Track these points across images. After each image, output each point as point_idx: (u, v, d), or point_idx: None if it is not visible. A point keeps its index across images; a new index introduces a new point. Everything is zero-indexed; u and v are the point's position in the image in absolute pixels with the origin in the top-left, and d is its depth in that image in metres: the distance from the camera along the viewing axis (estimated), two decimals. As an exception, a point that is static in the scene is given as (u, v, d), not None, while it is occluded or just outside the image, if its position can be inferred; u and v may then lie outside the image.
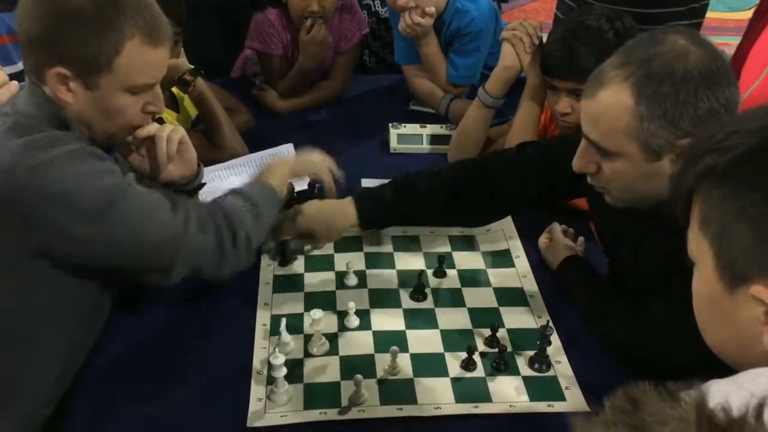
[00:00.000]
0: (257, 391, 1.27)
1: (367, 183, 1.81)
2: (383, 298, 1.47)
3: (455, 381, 1.31)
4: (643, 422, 0.51)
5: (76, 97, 1.19)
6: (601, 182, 1.25)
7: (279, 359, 1.24)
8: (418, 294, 1.50)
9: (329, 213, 1.52)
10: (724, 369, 1.21)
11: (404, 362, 1.33)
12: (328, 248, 1.64)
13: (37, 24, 1.15)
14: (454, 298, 1.51)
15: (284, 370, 1.25)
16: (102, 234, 1.17)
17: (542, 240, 1.62)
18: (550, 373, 1.33)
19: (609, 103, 1.15)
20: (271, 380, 1.27)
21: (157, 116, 1.91)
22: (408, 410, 1.24)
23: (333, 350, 1.36)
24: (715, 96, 1.10)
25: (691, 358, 1.25)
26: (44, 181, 1.11)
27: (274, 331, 1.38)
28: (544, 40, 1.80)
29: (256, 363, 1.33)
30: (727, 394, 0.61)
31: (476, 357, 1.34)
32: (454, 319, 1.45)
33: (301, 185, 1.81)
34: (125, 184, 1.22)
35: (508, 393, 1.29)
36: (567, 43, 1.64)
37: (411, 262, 1.61)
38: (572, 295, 1.48)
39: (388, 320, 1.44)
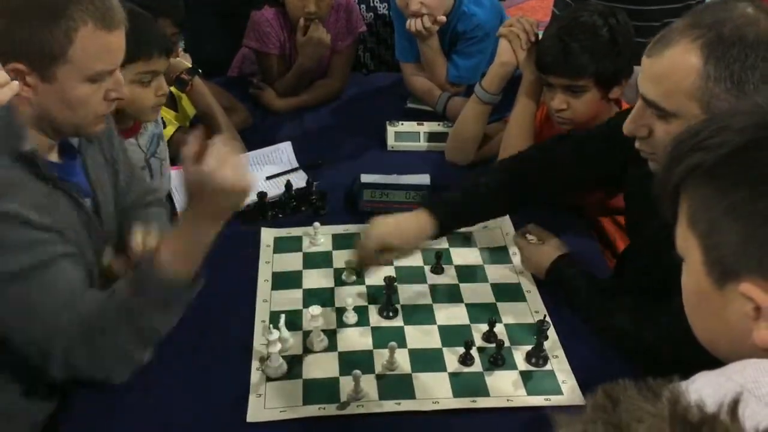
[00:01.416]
0: (257, 386, 1.28)
1: (366, 178, 1.82)
2: (381, 295, 1.47)
3: (453, 376, 1.32)
4: (620, 420, 0.51)
5: (35, 92, 1.16)
6: (651, 147, 1.23)
7: (273, 335, 1.28)
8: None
9: (406, 226, 1.46)
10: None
11: (402, 357, 1.34)
12: (326, 245, 1.65)
13: None
14: (451, 294, 1.52)
15: (278, 346, 1.29)
16: None
17: (520, 241, 1.59)
18: (547, 367, 1.34)
19: (676, 62, 1.13)
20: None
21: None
22: (406, 405, 1.25)
23: (331, 346, 1.37)
24: None
25: (709, 355, 1.26)
26: None
27: (274, 327, 1.38)
28: (540, 37, 1.81)
29: (256, 359, 1.34)
30: (715, 385, 0.62)
31: (474, 352, 1.35)
32: (451, 314, 1.46)
33: (298, 184, 1.82)
34: (37, 265, 1.13)
35: (506, 387, 1.30)
36: (562, 40, 1.65)
37: (409, 258, 1.61)
38: (571, 293, 1.47)
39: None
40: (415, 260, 1.61)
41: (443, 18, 2.11)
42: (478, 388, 1.29)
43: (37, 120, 1.21)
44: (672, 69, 1.14)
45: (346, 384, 1.28)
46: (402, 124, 2.12)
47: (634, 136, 1.25)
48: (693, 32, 1.12)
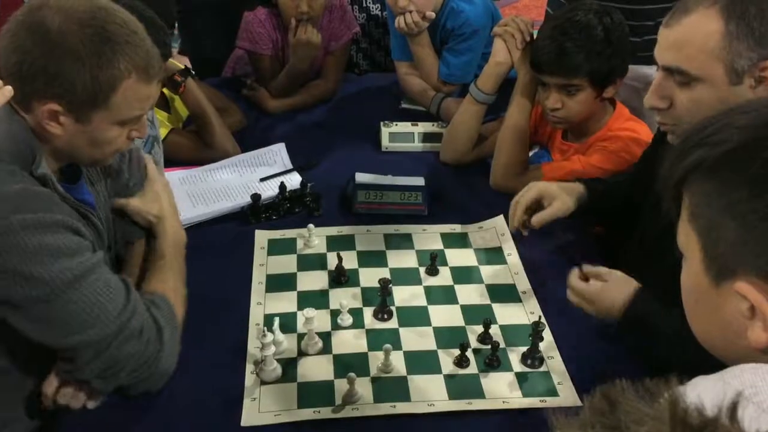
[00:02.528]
0: (251, 390, 1.27)
1: (360, 178, 1.81)
2: (376, 296, 1.47)
3: (448, 378, 1.31)
4: (619, 422, 0.51)
5: (65, 130, 1.17)
6: (673, 118, 1.27)
7: (267, 338, 1.27)
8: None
9: (563, 184, 1.61)
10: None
11: (397, 360, 1.34)
12: (320, 247, 1.64)
13: (30, 59, 1.12)
14: (446, 296, 1.51)
15: (272, 349, 1.28)
16: (36, 312, 1.11)
17: (578, 284, 1.34)
18: (543, 368, 1.33)
19: (696, 26, 1.18)
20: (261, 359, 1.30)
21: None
22: (401, 408, 1.25)
23: (326, 349, 1.37)
24: None
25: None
26: (6, 245, 1.07)
27: (268, 330, 1.38)
28: (535, 36, 1.81)
29: (250, 362, 1.33)
30: (713, 390, 0.62)
31: (469, 354, 1.34)
32: (446, 316, 1.46)
33: (293, 185, 1.81)
34: (83, 269, 1.14)
35: (501, 389, 1.29)
36: (556, 40, 1.65)
37: (403, 260, 1.61)
38: (654, 333, 1.23)
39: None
40: (410, 261, 1.60)
41: (432, 14, 2.11)
42: (474, 390, 1.29)
43: (57, 150, 1.21)
44: (694, 33, 1.19)
45: (341, 387, 1.27)
46: (396, 124, 2.11)
47: (655, 108, 1.28)
48: None
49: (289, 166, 1.95)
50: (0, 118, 1.15)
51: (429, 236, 1.69)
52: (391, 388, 1.29)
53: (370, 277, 1.53)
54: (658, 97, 1.26)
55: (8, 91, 1.06)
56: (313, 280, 1.54)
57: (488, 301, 1.50)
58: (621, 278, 1.31)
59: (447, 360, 1.35)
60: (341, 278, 1.53)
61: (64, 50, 1.11)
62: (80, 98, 1.14)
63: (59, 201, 1.18)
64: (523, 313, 1.47)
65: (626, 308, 1.26)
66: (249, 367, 1.32)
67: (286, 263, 1.60)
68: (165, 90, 2.00)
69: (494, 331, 1.40)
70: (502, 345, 1.36)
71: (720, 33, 1.16)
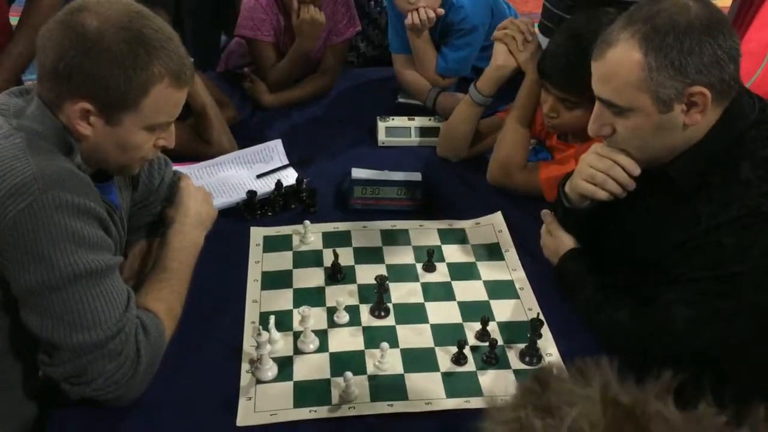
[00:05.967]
0: (247, 389, 1.26)
1: (357, 173, 1.80)
2: (372, 294, 1.45)
3: (446, 376, 1.30)
4: (550, 403, 0.52)
5: (94, 131, 1.19)
6: (618, 144, 1.29)
7: (263, 336, 1.26)
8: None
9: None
10: (717, 361, 1.21)
11: (394, 358, 1.33)
12: (316, 244, 1.63)
13: (67, 58, 1.13)
14: (444, 292, 1.50)
15: (268, 348, 1.27)
16: (35, 298, 1.12)
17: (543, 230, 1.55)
18: (541, 365, 1.32)
19: (618, 59, 1.21)
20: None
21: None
22: (398, 406, 1.24)
23: (323, 347, 1.35)
24: (718, 44, 1.16)
25: (689, 348, 1.24)
26: (36, 218, 1.08)
27: (264, 328, 1.37)
28: (536, 32, 1.78)
29: (245, 361, 1.32)
30: None
31: (467, 351, 1.33)
32: (444, 312, 1.45)
33: (288, 181, 1.80)
34: (98, 267, 1.13)
35: (500, 387, 1.28)
36: (566, 51, 1.57)
37: (400, 256, 1.60)
38: (573, 285, 1.44)
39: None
40: (407, 258, 1.59)
41: (441, 10, 2.10)
42: (472, 387, 1.28)
43: (85, 154, 1.22)
44: (617, 67, 1.21)
45: (338, 385, 1.26)
46: (393, 119, 2.10)
47: (599, 136, 1.31)
48: (630, 29, 1.20)
49: (286, 161, 1.93)
50: (40, 114, 1.17)
51: (426, 232, 1.68)
52: (388, 386, 1.28)
53: (367, 273, 1.52)
54: (599, 125, 1.29)
55: None
56: (308, 278, 1.53)
57: (486, 298, 1.49)
58: (568, 236, 1.49)
59: (444, 358, 1.33)
60: (337, 275, 1.52)
61: (100, 50, 1.13)
62: (113, 99, 1.16)
63: (95, 191, 1.19)
64: (522, 309, 1.45)
65: (560, 259, 1.48)
66: (244, 366, 1.31)
67: (281, 260, 1.58)
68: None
69: (492, 328, 1.39)
70: (500, 342, 1.35)
71: (640, 65, 1.18)
